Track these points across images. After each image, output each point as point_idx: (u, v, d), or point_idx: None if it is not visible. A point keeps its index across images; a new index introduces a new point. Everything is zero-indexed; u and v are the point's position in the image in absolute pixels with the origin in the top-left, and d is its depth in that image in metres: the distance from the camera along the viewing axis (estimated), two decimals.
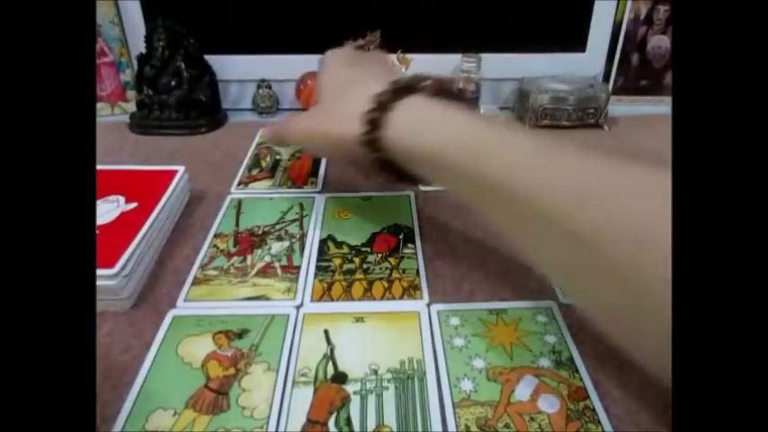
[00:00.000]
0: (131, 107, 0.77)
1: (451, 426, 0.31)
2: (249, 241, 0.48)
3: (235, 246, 0.47)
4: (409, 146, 0.36)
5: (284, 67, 0.76)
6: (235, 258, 0.45)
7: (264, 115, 0.79)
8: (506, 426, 0.31)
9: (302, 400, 0.33)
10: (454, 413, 0.32)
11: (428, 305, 0.40)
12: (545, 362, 0.35)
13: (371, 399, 0.33)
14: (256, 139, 0.68)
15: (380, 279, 0.43)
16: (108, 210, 0.46)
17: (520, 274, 0.44)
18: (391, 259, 0.45)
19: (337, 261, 0.45)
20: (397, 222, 0.50)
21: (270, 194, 0.55)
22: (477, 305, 0.40)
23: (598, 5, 0.77)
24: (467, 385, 0.33)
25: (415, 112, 0.37)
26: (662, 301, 0.21)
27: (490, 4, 0.77)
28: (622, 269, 0.25)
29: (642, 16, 0.77)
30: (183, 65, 0.73)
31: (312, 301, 0.41)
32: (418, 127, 0.36)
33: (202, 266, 0.44)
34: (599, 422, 0.31)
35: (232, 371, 0.35)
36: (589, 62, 0.80)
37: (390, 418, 0.31)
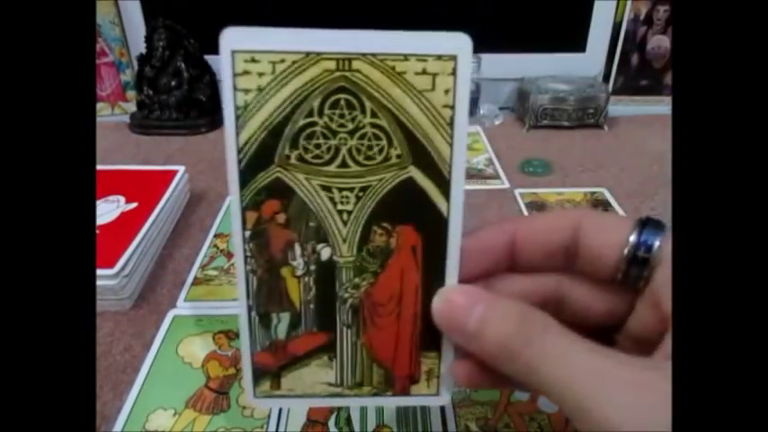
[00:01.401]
0: (131, 107, 0.77)
1: (451, 426, 0.31)
2: None
3: None
4: None
5: None
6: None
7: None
8: (506, 426, 0.31)
9: None
10: (454, 413, 0.32)
11: None
12: None
13: None
14: None
15: None
16: (108, 210, 0.46)
17: None
18: None
19: None
20: None
21: None
22: None
23: (598, 5, 0.77)
24: None
25: None
26: None
27: (490, 4, 0.77)
28: None
29: (642, 16, 0.77)
30: (183, 65, 0.73)
31: None
32: None
33: (202, 266, 0.44)
34: None
35: (232, 371, 0.35)
36: (589, 62, 0.80)
37: (390, 418, 0.31)
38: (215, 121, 0.75)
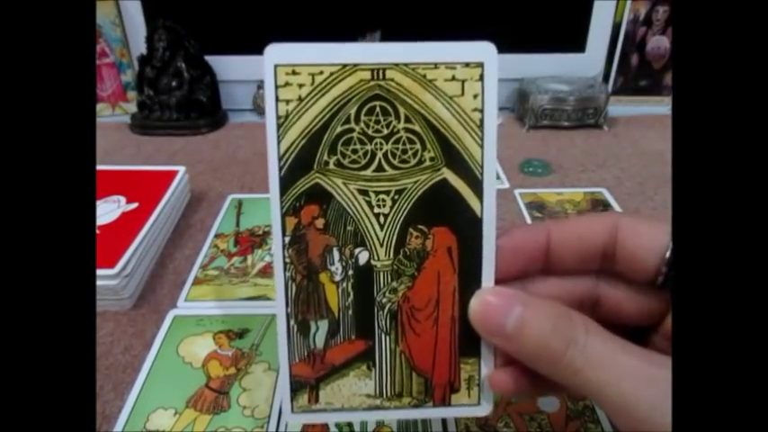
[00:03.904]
0: (132, 108, 0.77)
1: (451, 426, 0.31)
2: (249, 241, 0.48)
3: (235, 246, 0.47)
4: None
5: None
6: (235, 258, 0.45)
7: (265, 116, 0.79)
8: (506, 425, 0.31)
9: None
10: None
11: None
12: None
13: None
14: None
15: None
16: (109, 210, 0.46)
17: None
18: None
19: None
20: None
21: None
22: None
23: (598, 6, 0.77)
24: None
25: None
26: None
27: (490, 4, 0.77)
28: None
29: (641, 17, 0.77)
30: (183, 65, 0.73)
31: None
32: None
33: (203, 266, 0.44)
34: (599, 422, 0.31)
35: (233, 370, 0.35)
36: (589, 62, 0.80)
37: (390, 419, 0.31)
38: (215, 122, 0.75)
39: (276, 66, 0.21)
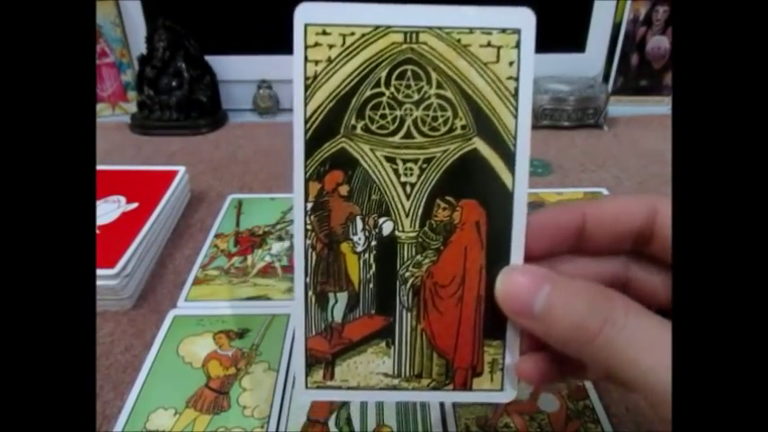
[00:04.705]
0: (132, 108, 0.77)
1: (451, 426, 0.31)
2: (250, 241, 0.48)
3: (235, 246, 0.47)
4: None
5: (284, 67, 0.76)
6: (235, 258, 0.45)
7: (265, 115, 0.79)
8: (506, 425, 0.31)
9: None
10: (454, 413, 0.32)
11: None
12: None
13: None
14: None
15: None
16: (109, 210, 0.46)
17: None
18: None
19: None
20: None
21: (270, 195, 0.55)
22: None
23: (598, 6, 0.77)
24: None
25: None
26: None
27: (489, 4, 0.77)
28: None
29: (641, 17, 0.77)
30: (183, 65, 0.73)
31: None
32: None
33: (203, 266, 0.45)
34: (599, 422, 0.31)
35: (233, 370, 0.35)
36: (589, 62, 0.80)
37: (390, 418, 0.31)
38: (215, 122, 0.75)
39: (307, 25, 0.21)
